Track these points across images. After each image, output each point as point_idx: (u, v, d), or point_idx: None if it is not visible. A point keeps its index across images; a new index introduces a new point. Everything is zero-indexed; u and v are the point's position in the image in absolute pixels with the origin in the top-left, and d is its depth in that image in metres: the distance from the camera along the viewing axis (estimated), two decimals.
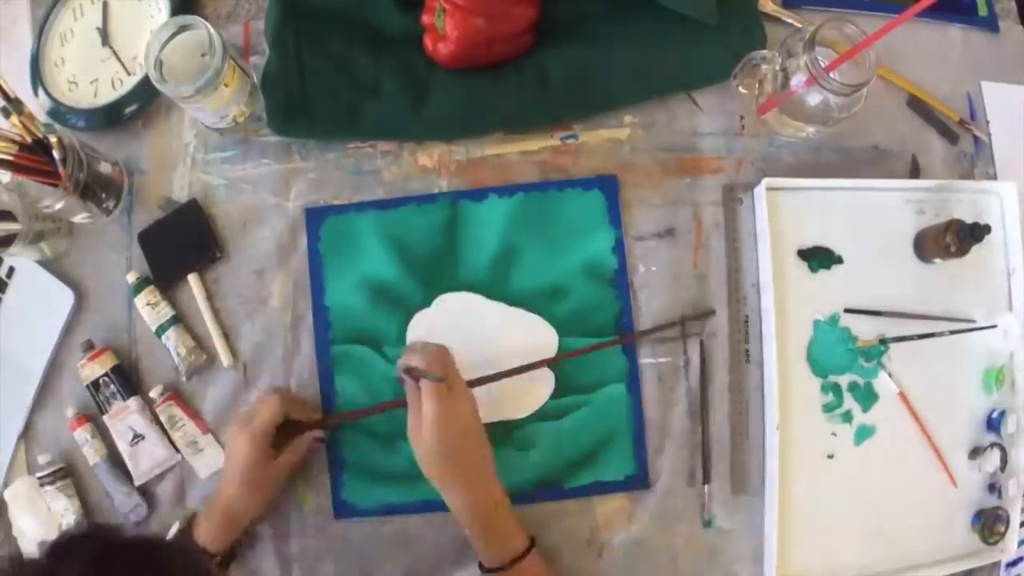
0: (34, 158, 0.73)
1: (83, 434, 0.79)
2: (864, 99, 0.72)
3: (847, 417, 0.76)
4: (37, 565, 0.44)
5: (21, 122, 0.72)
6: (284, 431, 0.72)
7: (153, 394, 0.79)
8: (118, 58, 0.84)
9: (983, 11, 0.85)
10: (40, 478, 0.79)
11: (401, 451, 0.77)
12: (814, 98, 0.73)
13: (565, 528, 0.76)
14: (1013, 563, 0.78)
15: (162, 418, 0.78)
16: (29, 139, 0.73)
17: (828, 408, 0.76)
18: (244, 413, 0.73)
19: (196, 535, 0.70)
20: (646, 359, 0.77)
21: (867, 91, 0.71)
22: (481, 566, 0.69)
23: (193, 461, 0.79)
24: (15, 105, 0.72)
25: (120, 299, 0.82)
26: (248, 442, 0.70)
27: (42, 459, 0.79)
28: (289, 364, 0.79)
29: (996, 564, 0.78)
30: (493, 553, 0.67)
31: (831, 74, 0.69)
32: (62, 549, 0.45)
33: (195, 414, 0.79)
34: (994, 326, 0.77)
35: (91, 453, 0.79)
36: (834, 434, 0.76)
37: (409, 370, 0.68)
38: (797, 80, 0.72)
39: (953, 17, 0.84)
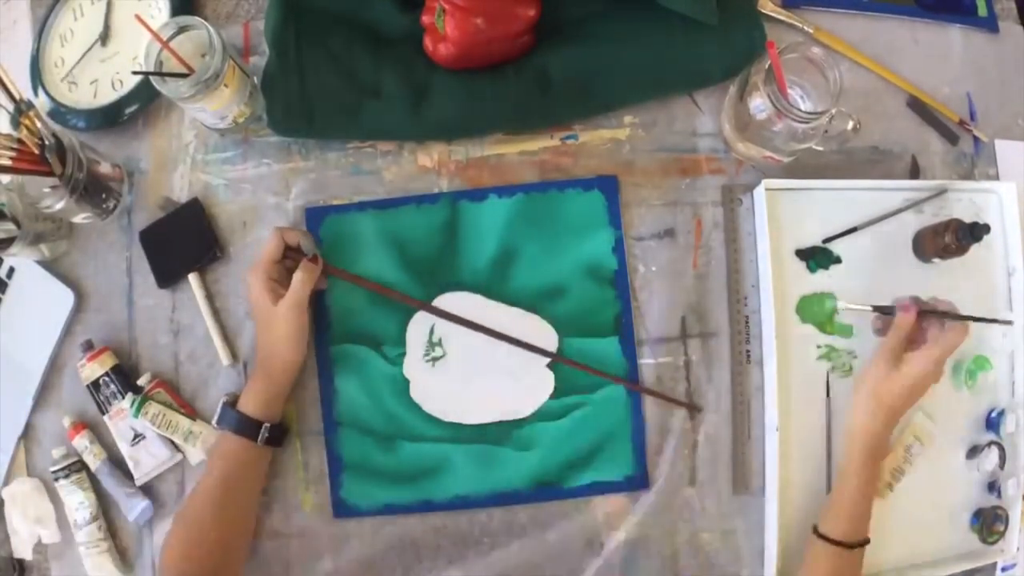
0: (34, 156, 0.73)
1: (82, 441, 0.79)
2: (831, 120, 0.71)
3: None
4: None
5: (26, 125, 0.72)
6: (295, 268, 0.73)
7: (141, 381, 0.79)
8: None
9: (983, 11, 0.85)
10: (54, 472, 0.79)
11: (401, 451, 0.77)
12: (776, 125, 0.71)
13: (565, 528, 0.76)
14: (1005, 568, 0.78)
15: (151, 411, 0.77)
16: (36, 142, 0.72)
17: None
18: (253, 260, 0.74)
19: (242, 404, 0.72)
20: (646, 359, 0.77)
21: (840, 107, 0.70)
22: (816, 530, 0.69)
23: (185, 449, 0.78)
24: (24, 105, 0.72)
25: (120, 299, 0.82)
26: (257, 281, 0.71)
27: (56, 452, 0.79)
28: None
29: (994, 564, 0.78)
30: (845, 522, 0.67)
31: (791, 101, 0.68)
32: None
33: (185, 403, 0.79)
34: (1009, 322, 0.78)
35: (91, 459, 0.79)
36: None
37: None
38: (756, 106, 0.71)
39: (953, 17, 0.84)
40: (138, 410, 0.76)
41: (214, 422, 0.74)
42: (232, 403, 0.73)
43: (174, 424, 0.77)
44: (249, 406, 0.72)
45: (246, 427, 0.71)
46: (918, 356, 0.68)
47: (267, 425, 0.72)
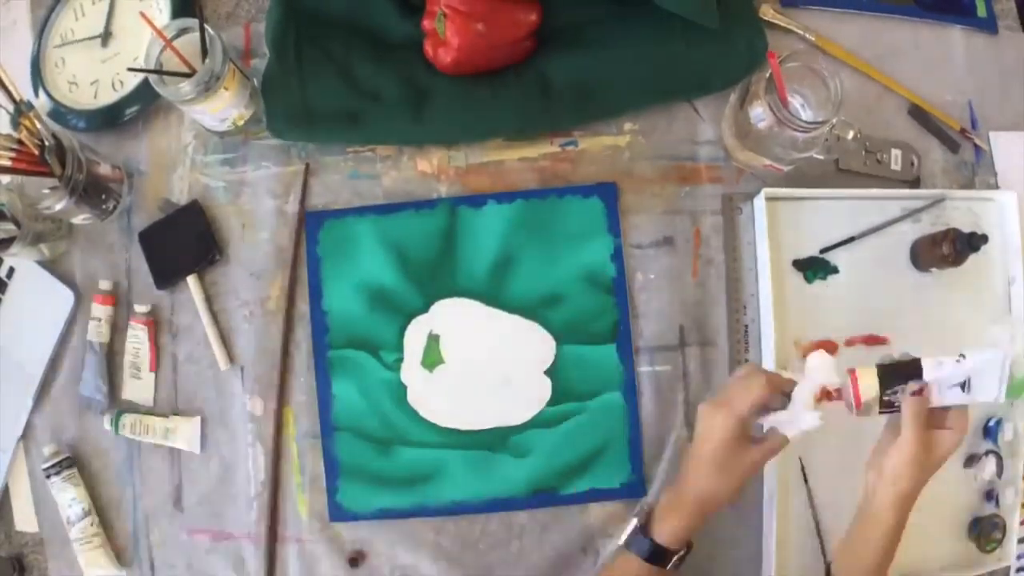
0: (34, 156, 0.73)
1: (104, 309, 0.80)
2: (830, 130, 0.70)
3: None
4: None
5: (26, 126, 0.72)
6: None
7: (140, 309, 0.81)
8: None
9: (982, 12, 0.84)
10: (45, 469, 0.79)
11: (397, 456, 0.77)
12: (776, 133, 0.70)
13: (561, 535, 0.76)
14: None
15: (128, 423, 0.79)
16: (36, 143, 0.72)
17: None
18: (720, 391, 0.65)
19: (656, 531, 0.65)
20: (644, 367, 0.77)
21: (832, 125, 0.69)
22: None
23: (127, 385, 0.80)
24: (25, 105, 0.72)
25: (119, 300, 0.82)
26: (726, 425, 0.62)
27: (47, 450, 0.80)
28: (287, 367, 0.79)
29: (994, 572, 0.78)
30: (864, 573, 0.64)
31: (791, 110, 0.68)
32: None
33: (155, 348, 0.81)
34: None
35: (95, 333, 0.80)
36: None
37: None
38: (757, 115, 0.71)
39: (952, 18, 0.84)
40: (117, 427, 0.78)
41: (622, 542, 0.67)
42: (645, 523, 0.66)
43: (151, 428, 0.79)
44: (665, 536, 0.65)
45: (659, 556, 0.65)
46: (949, 437, 0.61)
47: (681, 553, 0.66)
